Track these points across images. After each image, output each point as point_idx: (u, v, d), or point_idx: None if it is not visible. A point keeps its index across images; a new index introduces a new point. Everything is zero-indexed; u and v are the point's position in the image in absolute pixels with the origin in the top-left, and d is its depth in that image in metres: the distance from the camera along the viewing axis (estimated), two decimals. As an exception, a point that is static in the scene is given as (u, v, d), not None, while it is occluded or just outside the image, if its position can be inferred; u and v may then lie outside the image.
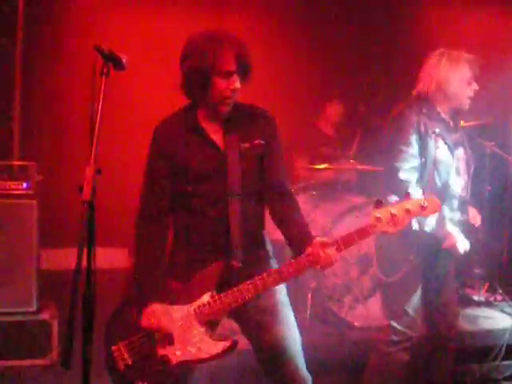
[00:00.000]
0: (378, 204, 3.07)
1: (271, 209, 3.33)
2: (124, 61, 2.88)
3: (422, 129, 3.99)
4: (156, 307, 3.13)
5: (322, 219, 5.68)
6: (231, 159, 3.19)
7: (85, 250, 2.71)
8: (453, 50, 4.12)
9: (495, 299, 6.24)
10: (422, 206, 3.08)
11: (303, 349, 3.31)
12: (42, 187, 5.08)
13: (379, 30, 7.55)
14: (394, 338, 4.17)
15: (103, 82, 2.81)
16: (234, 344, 3.15)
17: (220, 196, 3.19)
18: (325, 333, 5.28)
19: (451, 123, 4.18)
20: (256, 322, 3.25)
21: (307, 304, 5.36)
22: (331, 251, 3.07)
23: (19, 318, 4.87)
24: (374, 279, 5.44)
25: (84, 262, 2.69)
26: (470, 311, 5.96)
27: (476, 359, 5.22)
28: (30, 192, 5.02)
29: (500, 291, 6.34)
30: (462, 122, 5.79)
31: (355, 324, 5.40)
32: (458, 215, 4.19)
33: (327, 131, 6.87)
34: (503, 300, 6.22)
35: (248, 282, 3.10)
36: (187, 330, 3.15)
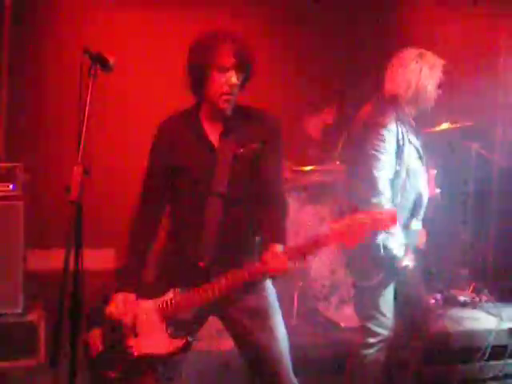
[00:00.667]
0: (340, 216, 3.10)
1: (259, 215, 3.32)
2: (111, 62, 2.89)
3: (400, 136, 3.88)
4: (121, 296, 3.18)
5: (307, 219, 5.69)
6: (222, 160, 3.20)
7: (72, 251, 2.72)
8: (429, 53, 4.02)
9: (480, 300, 6.27)
10: (378, 219, 3.01)
11: (289, 348, 3.33)
12: (28, 188, 5.08)
13: (366, 33, 7.57)
14: (371, 340, 4.09)
15: (91, 82, 2.82)
16: (187, 344, 3.17)
17: (204, 196, 3.21)
18: (311, 333, 5.29)
19: (415, 126, 4.06)
20: (242, 324, 3.27)
21: (294, 304, 5.37)
22: (281, 260, 3.04)
23: (5, 319, 4.86)
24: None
25: (71, 263, 2.70)
26: (456, 312, 5.99)
27: (461, 360, 5.25)
28: (17, 193, 5.01)
29: (485, 292, 6.37)
30: (447, 124, 5.87)
31: (341, 324, 5.42)
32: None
33: (314, 134, 6.87)
34: (488, 301, 6.25)
35: (214, 281, 3.11)
36: (150, 324, 3.19)
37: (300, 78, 7.30)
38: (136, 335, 3.20)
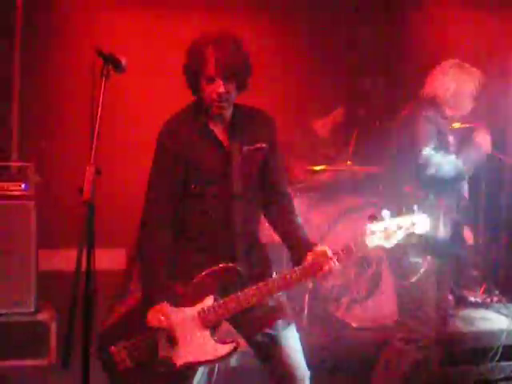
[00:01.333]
0: (372, 218, 3.14)
1: (269, 211, 3.36)
2: (124, 63, 2.90)
3: (438, 137, 4.20)
4: (164, 305, 3.11)
5: (319, 221, 5.69)
6: (235, 161, 3.21)
7: (84, 251, 2.72)
8: (467, 64, 4.37)
9: (492, 300, 6.25)
10: (414, 223, 3.17)
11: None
12: (40, 188, 5.09)
13: (380, 33, 7.56)
14: (409, 336, 4.33)
15: (103, 83, 2.83)
16: (237, 345, 3.16)
17: (225, 198, 3.20)
18: (322, 333, 5.29)
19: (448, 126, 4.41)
20: (255, 317, 3.24)
21: (304, 304, 5.37)
22: (334, 262, 3.09)
23: (18, 318, 4.88)
24: (373, 280, 5.46)
25: (83, 263, 2.71)
26: (467, 312, 5.97)
27: (473, 360, 5.24)
28: (29, 193, 5.03)
29: (496, 292, 6.35)
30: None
31: (352, 325, 5.41)
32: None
33: (324, 134, 6.87)
34: (499, 301, 6.23)
35: (253, 288, 3.10)
36: (191, 332, 3.14)
37: (312, 79, 7.31)
38: (175, 344, 3.14)
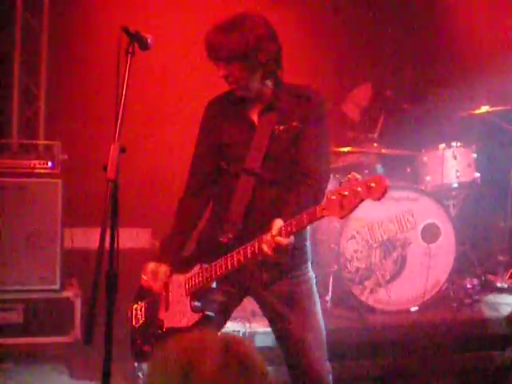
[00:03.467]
0: (340, 184, 2.80)
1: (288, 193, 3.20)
2: (149, 40, 2.90)
3: None
4: (152, 265, 3.23)
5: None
6: (258, 138, 3.19)
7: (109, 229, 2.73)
8: None
9: (518, 286, 6.20)
10: (370, 187, 2.71)
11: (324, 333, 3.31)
12: (66, 166, 5.12)
13: (409, 17, 7.48)
14: None
15: (129, 61, 2.82)
16: (203, 318, 3.15)
17: (243, 175, 3.20)
18: (346, 316, 5.27)
19: None
20: (275, 309, 3.26)
21: (328, 287, 5.36)
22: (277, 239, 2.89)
23: (43, 295, 4.93)
24: (397, 263, 5.43)
25: (108, 241, 2.71)
26: (492, 298, 5.92)
27: (498, 346, 5.20)
28: (55, 171, 5.07)
29: (523, 278, 6.29)
30: (487, 107, 5.79)
31: (376, 308, 5.39)
32: None
33: (353, 115, 6.82)
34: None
35: (227, 256, 3.07)
36: (178, 298, 3.23)
37: (342, 59, 7.26)
38: (167, 309, 3.26)
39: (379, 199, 2.72)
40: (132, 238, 6.31)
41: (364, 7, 7.44)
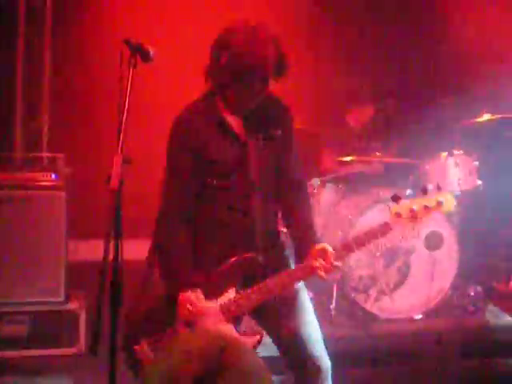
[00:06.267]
0: (396, 199, 2.98)
1: (282, 203, 3.31)
2: (151, 53, 2.91)
3: None
4: (191, 294, 3.07)
5: (347, 212, 5.67)
6: (252, 152, 3.17)
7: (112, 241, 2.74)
8: None
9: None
10: (439, 202, 2.99)
11: (328, 340, 3.32)
12: (70, 179, 5.13)
13: (411, 26, 7.51)
14: None
15: (131, 73, 2.84)
16: (262, 337, 3.13)
17: (244, 189, 3.18)
18: (350, 325, 5.28)
19: None
20: (274, 309, 3.23)
21: (332, 296, 5.36)
22: (330, 261, 3.02)
23: (47, 307, 4.92)
24: (401, 271, 5.44)
25: (112, 253, 2.72)
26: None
27: (502, 353, 5.17)
28: (59, 183, 5.07)
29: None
30: (489, 115, 5.80)
31: (380, 316, 5.39)
32: None
33: (358, 126, 6.84)
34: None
35: (275, 277, 3.08)
36: (213, 325, 3.09)
37: (345, 73, 7.28)
38: None
39: (448, 212, 3.07)
40: (137, 249, 6.31)
41: (367, 18, 7.47)
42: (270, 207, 3.26)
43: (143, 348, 3.16)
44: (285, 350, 3.29)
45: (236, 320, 3.13)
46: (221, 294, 3.12)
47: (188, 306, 3.06)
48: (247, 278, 3.13)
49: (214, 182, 3.17)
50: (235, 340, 2.98)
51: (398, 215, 2.97)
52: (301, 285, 3.31)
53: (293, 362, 3.29)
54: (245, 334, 3.14)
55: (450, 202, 3.03)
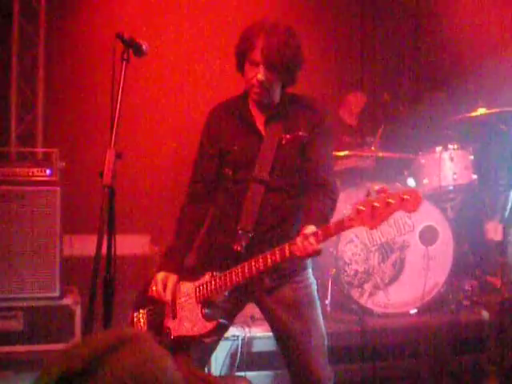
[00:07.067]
0: (367, 194, 2.86)
1: (303, 200, 3.25)
2: (144, 47, 2.91)
3: None
4: (162, 275, 3.23)
5: (341, 206, 5.67)
6: (266, 146, 3.20)
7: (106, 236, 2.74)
8: None
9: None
10: (403, 199, 2.76)
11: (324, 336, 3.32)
12: (65, 174, 5.13)
13: (405, 20, 7.51)
14: None
15: (123, 67, 2.84)
16: (218, 326, 3.16)
17: (250, 183, 3.21)
18: (345, 320, 5.28)
19: None
20: (276, 315, 3.27)
21: (327, 291, 5.36)
22: (310, 242, 2.89)
23: (43, 302, 4.93)
24: (396, 266, 5.44)
25: (105, 248, 2.72)
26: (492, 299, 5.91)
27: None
28: (54, 179, 5.08)
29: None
30: (484, 109, 5.79)
31: (375, 311, 5.40)
32: None
33: (349, 121, 6.85)
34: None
35: (243, 265, 3.08)
36: (187, 306, 3.23)
37: (338, 65, 7.29)
38: (174, 317, 3.25)
39: (413, 211, 2.79)
40: (130, 243, 6.32)
41: (360, 11, 7.48)
42: (280, 204, 3.23)
43: (139, 316, 3.37)
44: (285, 354, 3.33)
45: (209, 303, 3.19)
46: (199, 277, 3.21)
47: (153, 286, 3.23)
48: (226, 266, 3.15)
49: (230, 172, 3.26)
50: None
51: (359, 211, 2.83)
52: (310, 290, 3.31)
53: (295, 372, 3.32)
54: (207, 318, 3.17)
55: (415, 201, 2.78)
